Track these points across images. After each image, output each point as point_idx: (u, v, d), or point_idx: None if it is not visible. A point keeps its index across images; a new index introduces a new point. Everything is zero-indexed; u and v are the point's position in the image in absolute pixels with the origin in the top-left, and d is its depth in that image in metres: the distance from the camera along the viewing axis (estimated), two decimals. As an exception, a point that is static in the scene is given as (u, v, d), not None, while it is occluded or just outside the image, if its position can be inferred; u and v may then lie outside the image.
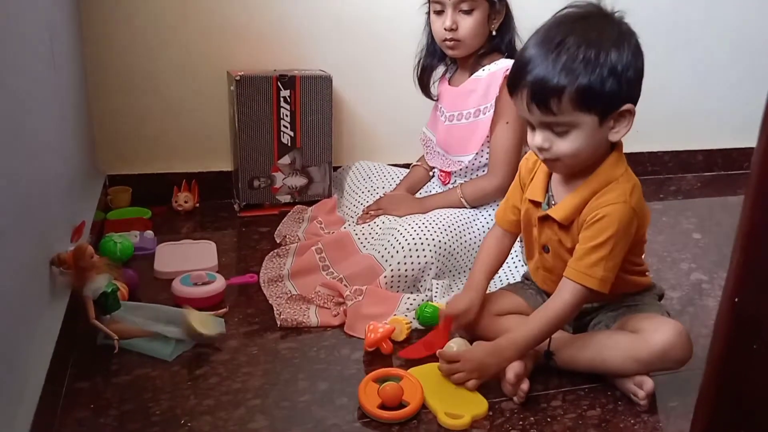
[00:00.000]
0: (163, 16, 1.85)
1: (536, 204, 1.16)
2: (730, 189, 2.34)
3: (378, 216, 1.58)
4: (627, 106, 1.03)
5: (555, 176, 1.15)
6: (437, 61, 1.68)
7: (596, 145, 1.06)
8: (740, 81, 2.34)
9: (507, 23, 1.57)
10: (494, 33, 1.56)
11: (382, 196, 1.68)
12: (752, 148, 0.64)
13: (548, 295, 1.22)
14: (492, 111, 1.53)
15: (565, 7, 1.06)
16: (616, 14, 1.05)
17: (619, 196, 1.06)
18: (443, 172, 1.68)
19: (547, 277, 1.21)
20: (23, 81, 1.08)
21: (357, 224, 1.61)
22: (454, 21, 1.52)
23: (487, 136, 1.55)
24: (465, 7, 1.51)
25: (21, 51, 1.08)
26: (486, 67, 1.56)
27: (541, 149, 1.07)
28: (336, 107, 1.95)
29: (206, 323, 1.22)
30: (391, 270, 1.39)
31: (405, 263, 1.39)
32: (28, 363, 0.98)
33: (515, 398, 1.09)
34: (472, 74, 1.58)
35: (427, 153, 1.76)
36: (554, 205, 1.13)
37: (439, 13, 1.55)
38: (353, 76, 2.02)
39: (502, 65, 1.53)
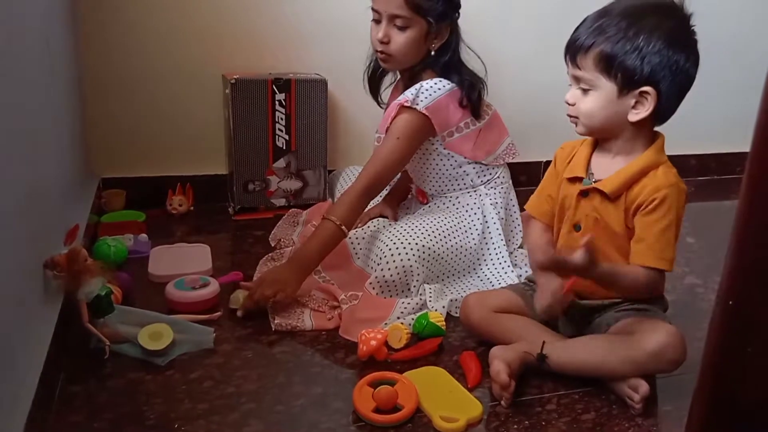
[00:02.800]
0: (158, 19, 1.85)
1: (577, 180, 1.19)
2: (724, 193, 2.35)
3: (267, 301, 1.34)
4: (646, 87, 1.07)
5: (595, 155, 1.19)
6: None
7: (612, 115, 1.11)
8: (733, 86, 2.35)
9: (448, 45, 1.51)
10: (432, 53, 1.51)
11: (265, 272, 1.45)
12: (746, 153, 0.64)
13: None
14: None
15: None
16: (683, 12, 1.10)
17: (671, 179, 1.12)
18: (419, 191, 1.67)
19: None
20: (19, 84, 1.08)
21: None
22: (387, 34, 1.48)
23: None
24: (399, 23, 1.46)
25: (17, 54, 1.07)
26: (409, 90, 1.49)
27: (568, 104, 1.16)
28: (331, 110, 1.95)
29: (160, 335, 1.19)
30: (376, 277, 1.39)
31: (389, 267, 1.39)
32: (22, 366, 0.98)
33: (502, 401, 1.09)
34: (404, 91, 1.52)
35: None
36: (596, 180, 1.16)
37: (377, 21, 1.50)
38: (348, 80, 2.01)
39: (407, 95, 1.47)
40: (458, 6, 1.52)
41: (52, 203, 1.29)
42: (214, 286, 1.38)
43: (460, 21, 1.54)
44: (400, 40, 1.48)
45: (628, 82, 1.08)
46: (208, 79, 1.92)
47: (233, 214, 1.90)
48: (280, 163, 1.89)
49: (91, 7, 1.79)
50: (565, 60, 1.15)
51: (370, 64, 1.66)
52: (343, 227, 1.40)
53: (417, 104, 1.46)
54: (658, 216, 1.10)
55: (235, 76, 1.79)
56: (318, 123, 1.89)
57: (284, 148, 1.88)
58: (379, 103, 1.72)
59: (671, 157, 1.16)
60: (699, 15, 1.12)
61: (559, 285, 1.09)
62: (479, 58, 1.57)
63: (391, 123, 1.49)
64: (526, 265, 1.53)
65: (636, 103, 1.09)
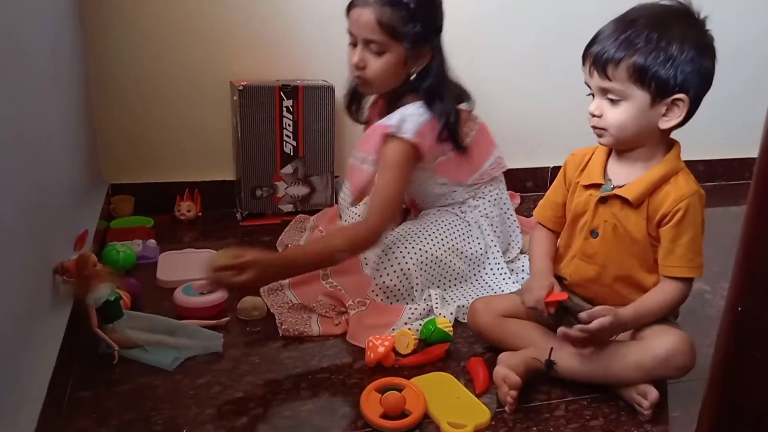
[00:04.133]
0: (166, 26, 1.86)
1: (594, 187, 1.19)
2: (732, 199, 2.34)
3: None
4: (680, 95, 1.08)
5: (611, 162, 1.19)
6: None
7: (643, 124, 1.11)
8: (741, 91, 2.35)
9: (429, 69, 1.42)
10: (412, 77, 1.43)
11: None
12: (753, 158, 0.64)
13: (570, 291, 1.22)
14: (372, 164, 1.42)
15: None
16: (699, 18, 1.11)
17: (692, 186, 1.13)
18: (411, 201, 1.64)
19: (581, 265, 1.21)
20: (26, 91, 1.09)
21: None
22: (362, 59, 1.40)
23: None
24: (374, 48, 1.38)
25: (23, 61, 1.08)
26: (393, 116, 1.41)
27: (593, 115, 1.14)
28: (338, 117, 1.95)
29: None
30: (377, 284, 1.39)
31: (388, 273, 1.39)
32: (31, 371, 0.98)
33: (507, 407, 1.09)
34: (389, 112, 1.45)
35: None
36: (615, 187, 1.16)
37: (353, 45, 1.42)
38: (355, 86, 2.02)
39: (392, 123, 1.39)
40: (438, 29, 1.42)
41: (61, 209, 1.30)
42: (222, 292, 1.38)
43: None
44: (376, 65, 1.40)
45: (661, 90, 1.08)
46: (216, 85, 1.93)
47: (241, 219, 1.91)
48: (288, 169, 1.90)
49: (98, 14, 1.80)
50: (589, 72, 1.13)
51: (350, 88, 1.55)
52: (341, 253, 1.33)
53: (404, 133, 1.38)
54: (685, 226, 1.12)
55: (243, 83, 1.80)
56: (325, 129, 1.90)
57: (292, 154, 1.89)
58: (359, 121, 1.63)
59: (678, 163, 1.16)
60: (707, 22, 1.12)
61: (542, 297, 1.14)
62: (465, 88, 1.50)
63: (379, 153, 1.41)
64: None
65: (667, 110, 1.10)
